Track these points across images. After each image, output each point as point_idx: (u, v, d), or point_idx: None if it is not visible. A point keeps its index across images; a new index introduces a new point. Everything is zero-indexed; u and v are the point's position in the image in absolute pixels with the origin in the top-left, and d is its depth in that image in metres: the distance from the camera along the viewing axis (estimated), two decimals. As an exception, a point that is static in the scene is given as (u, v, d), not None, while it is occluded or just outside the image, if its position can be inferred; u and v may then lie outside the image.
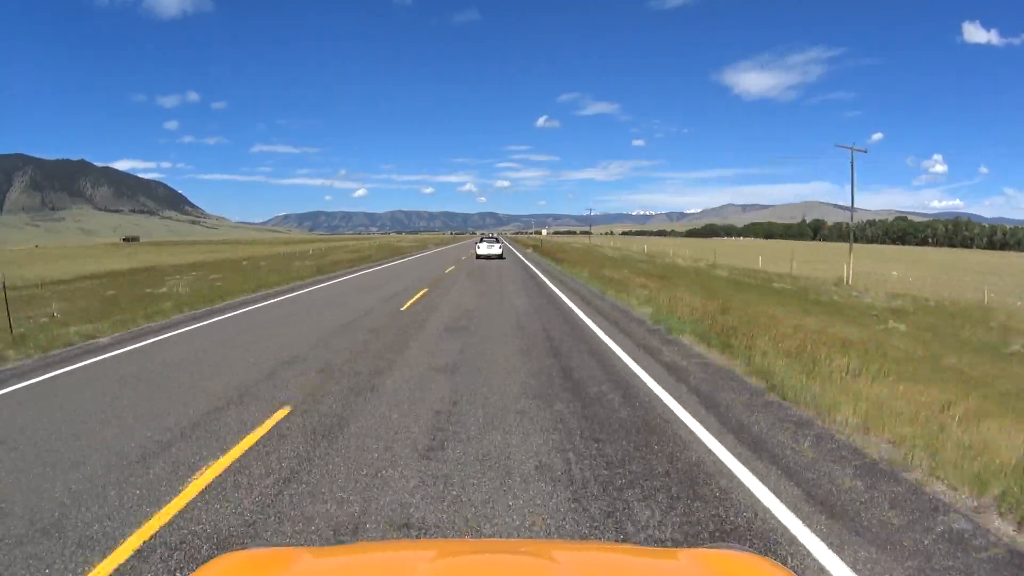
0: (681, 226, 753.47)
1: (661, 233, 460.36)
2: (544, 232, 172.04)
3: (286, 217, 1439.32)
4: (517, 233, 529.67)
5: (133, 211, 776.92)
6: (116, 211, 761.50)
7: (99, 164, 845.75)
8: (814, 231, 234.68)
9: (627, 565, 1.39)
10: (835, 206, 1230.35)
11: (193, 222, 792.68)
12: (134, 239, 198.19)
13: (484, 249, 36.86)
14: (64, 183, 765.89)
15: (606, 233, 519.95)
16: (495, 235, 55.46)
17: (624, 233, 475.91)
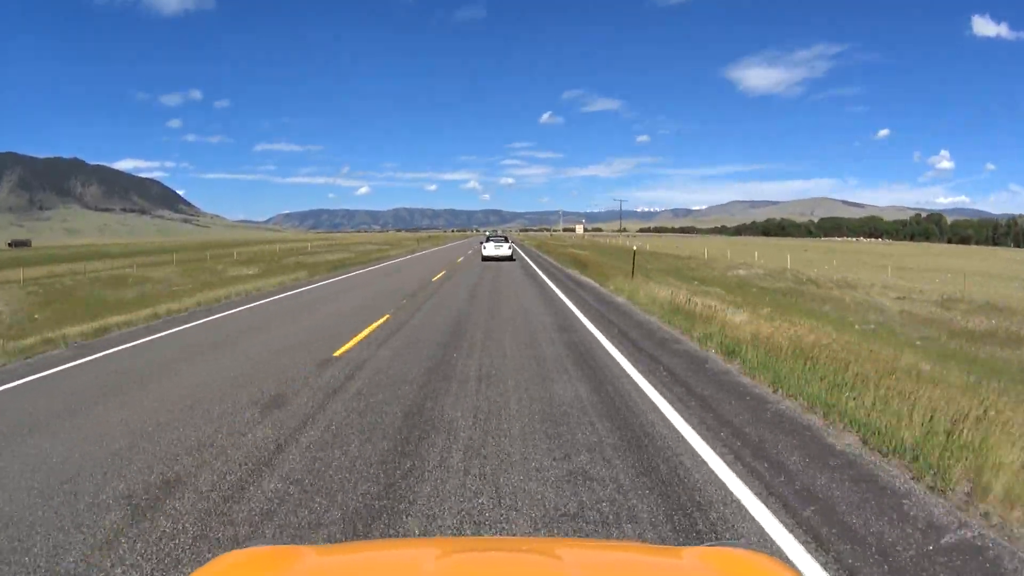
0: (705, 222, 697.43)
1: (685, 230, 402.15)
2: (579, 229, 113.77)
3: (288, 215, 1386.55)
4: (524, 230, 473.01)
5: (124, 210, 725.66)
6: (106, 210, 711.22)
7: (92, 163, 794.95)
8: (936, 225, 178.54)
9: (631, 563, 1.36)
10: (844, 202, 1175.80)
11: (185, 221, 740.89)
12: (24, 243, 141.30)
13: (491, 250, 29.82)
14: (54, 182, 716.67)
15: (618, 231, 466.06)
16: (503, 235, 45.36)
17: (642, 231, 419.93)
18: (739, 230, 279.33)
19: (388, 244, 59.69)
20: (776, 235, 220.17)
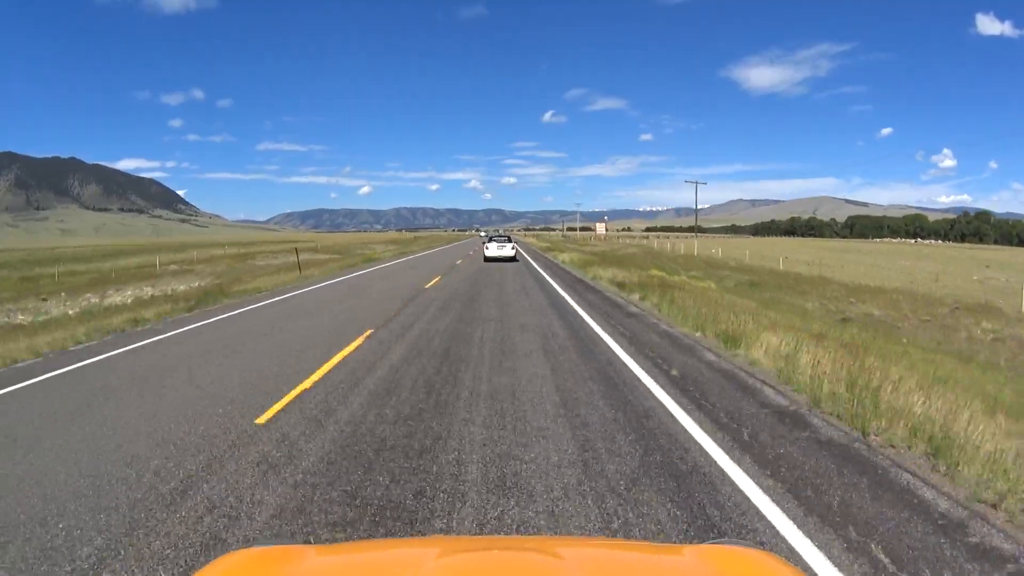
0: (708, 220, 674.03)
1: (694, 230, 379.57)
2: (600, 229, 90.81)
3: (289, 215, 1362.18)
4: (528, 229, 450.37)
5: (122, 209, 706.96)
6: (104, 210, 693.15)
7: (91, 162, 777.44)
8: (987, 224, 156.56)
9: (632, 561, 1.34)
10: (846, 201, 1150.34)
11: (183, 220, 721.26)
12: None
13: (494, 250, 27.57)
14: (52, 181, 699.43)
15: (623, 230, 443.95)
16: (506, 234, 41.83)
17: (648, 230, 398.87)
18: (757, 230, 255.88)
19: (339, 253, 39.45)
20: (804, 235, 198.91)
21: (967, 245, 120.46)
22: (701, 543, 1.48)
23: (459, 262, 27.48)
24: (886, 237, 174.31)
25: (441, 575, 1.08)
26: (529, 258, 31.73)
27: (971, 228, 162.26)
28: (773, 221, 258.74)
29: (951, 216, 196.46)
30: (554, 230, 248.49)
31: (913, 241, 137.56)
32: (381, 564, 1.27)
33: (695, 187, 47.75)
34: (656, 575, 1.24)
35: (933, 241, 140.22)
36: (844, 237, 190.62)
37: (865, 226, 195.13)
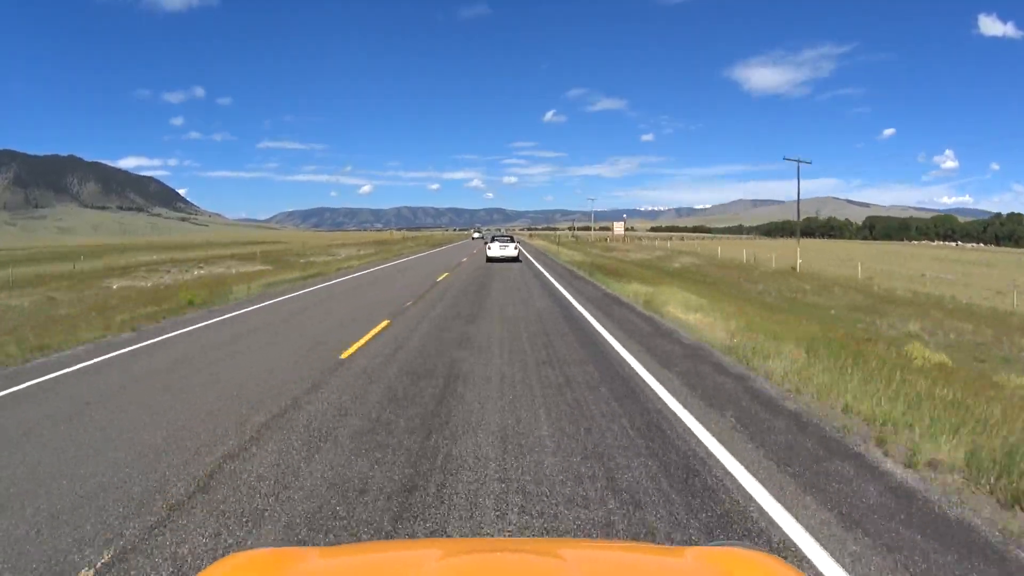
0: (710, 220, 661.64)
1: (698, 230, 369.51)
2: (618, 229, 79.68)
3: (291, 214, 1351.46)
4: (529, 229, 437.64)
5: (121, 208, 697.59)
6: (103, 208, 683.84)
7: (90, 160, 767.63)
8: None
9: (634, 563, 1.33)
10: (849, 201, 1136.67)
11: (182, 219, 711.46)
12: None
13: (496, 251, 27.28)
14: (51, 179, 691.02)
15: (627, 229, 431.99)
16: (508, 234, 39.89)
17: (654, 229, 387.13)
18: (770, 230, 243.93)
19: (273, 263, 28.57)
20: (822, 236, 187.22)
21: (1008, 250, 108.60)
22: (703, 545, 1.47)
23: (386, 328, 9.74)
24: (914, 239, 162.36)
25: None
26: (579, 307, 12.16)
27: (1006, 230, 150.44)
28: (787, 221, 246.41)
29: (983, 219, 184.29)
30: (557, 230, 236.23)
31: (955, 245, 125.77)
32: (382, 566, 1.27)
33: (797, 166, 36.26)
34: None
35: (975, 245, 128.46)
36: (865, 239, 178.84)
37: (888, 227, 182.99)
